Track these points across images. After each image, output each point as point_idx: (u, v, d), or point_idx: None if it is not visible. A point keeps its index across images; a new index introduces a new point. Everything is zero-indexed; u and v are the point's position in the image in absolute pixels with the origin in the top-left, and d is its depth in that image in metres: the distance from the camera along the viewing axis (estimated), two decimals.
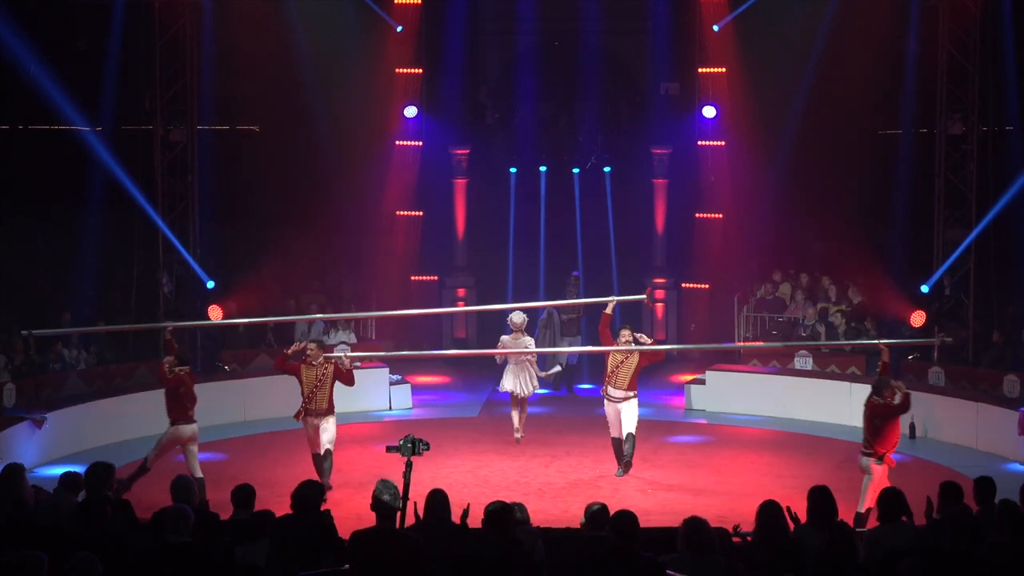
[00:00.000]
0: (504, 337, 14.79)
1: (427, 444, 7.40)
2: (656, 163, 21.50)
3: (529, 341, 14.95)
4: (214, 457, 14.76)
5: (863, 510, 11.21)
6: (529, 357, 14.76)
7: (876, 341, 13.80)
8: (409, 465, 7.23)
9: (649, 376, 19.97)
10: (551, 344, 17.72)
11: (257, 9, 19.39)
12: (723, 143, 20.60)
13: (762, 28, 19.47)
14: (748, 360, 18.49)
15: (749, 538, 7.78)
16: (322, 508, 7.98)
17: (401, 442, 7.31)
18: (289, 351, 13.42)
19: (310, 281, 20.27)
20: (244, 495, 8.59)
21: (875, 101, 20.25)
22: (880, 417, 11.42)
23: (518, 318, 14.65)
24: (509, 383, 14.76)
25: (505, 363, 14.85)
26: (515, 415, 14.99)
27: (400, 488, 7.02)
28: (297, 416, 13.11)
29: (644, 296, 14.27)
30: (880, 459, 11.34)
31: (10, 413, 14.50)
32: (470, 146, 21.76)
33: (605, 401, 13.94)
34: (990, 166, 17.59)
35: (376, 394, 17.69)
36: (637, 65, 23.00)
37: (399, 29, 20.31)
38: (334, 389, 13.05)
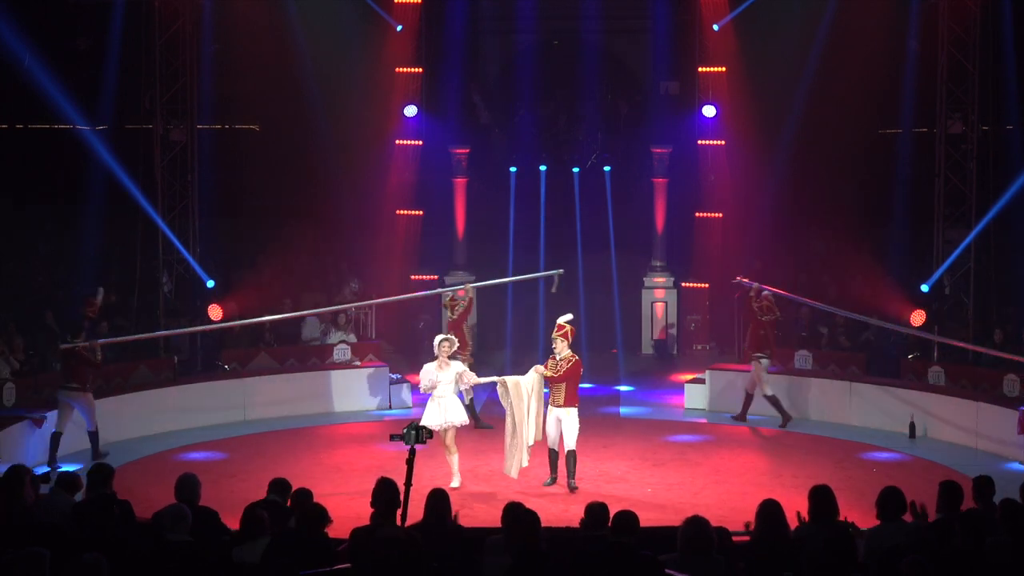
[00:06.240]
0: (428, 365, 12.88)
1: (430, 432, 7.44)
2: (656, 162, 21.51)
3: (460, 368, 13.08)
4: (214, 456, 14.76)
5: None
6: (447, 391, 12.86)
7: None
8: (412, 452, 7.25)
9: (649, 376, 20.08)
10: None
11: (257, 8, 19.40)
12: (723, 142, 20.60)
13: (762, 28, 19.47)
14: (748, 360, 18.43)
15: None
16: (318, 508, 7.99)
17: (405, 431, 7.36)
18: None
19: (310, 280, 20.24)
20: (280, 486, 8.95)
21: (875, 101, 20.23)
22: None
23: (442, 344, 12.98)
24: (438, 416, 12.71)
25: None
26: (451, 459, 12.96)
27: (401, 482, 7.03)
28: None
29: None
30: None
31: (10, 413, 14.49)
32: (470, 146, 21.76)
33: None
34: (990, 166, 17.58)
35: (376, 393, 17.70)
36: (637, 64, 23.01)
37: (399, 28, 20.31)
38: None
